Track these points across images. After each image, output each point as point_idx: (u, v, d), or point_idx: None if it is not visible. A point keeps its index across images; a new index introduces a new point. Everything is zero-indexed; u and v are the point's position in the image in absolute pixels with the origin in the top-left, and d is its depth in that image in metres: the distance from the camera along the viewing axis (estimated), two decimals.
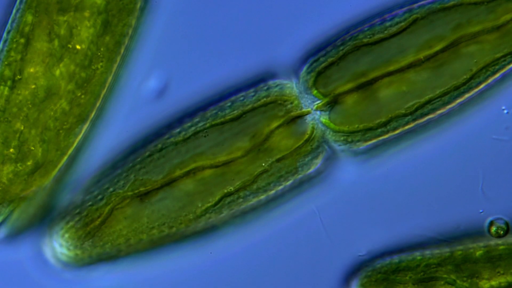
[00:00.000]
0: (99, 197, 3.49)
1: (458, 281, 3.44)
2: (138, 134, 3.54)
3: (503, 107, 3.51)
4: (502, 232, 3.46)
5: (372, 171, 3.54)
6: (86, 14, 3.47)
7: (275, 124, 3.49)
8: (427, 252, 3.49)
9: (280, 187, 3.51)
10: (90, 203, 3.49)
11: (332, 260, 3.53)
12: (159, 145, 3.51)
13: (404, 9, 3.49)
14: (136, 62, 3.54)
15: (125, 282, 3.54)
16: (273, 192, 3.50)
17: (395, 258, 3.50)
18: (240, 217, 3.51)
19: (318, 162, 3.50)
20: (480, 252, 3.46)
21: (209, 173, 3.49)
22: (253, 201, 3.50)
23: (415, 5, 3.49)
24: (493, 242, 3.46)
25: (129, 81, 3.54)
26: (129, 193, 3.49)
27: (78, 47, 3.47)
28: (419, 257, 3.48)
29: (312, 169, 3.50)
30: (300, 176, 3.51)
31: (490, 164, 3.52)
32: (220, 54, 3.56)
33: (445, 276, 3.45)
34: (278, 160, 3.49)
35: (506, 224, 3.47)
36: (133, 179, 3.49)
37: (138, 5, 3.51)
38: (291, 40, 3.55)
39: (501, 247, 3.45)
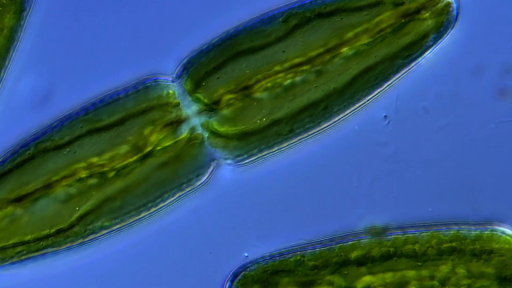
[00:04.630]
0: None
1: (336, 282, 3.49)
2: (16, 138, 3.51)
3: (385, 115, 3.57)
4: (375, 235, 3.53)
5: (251, 171, 3.56)
6: None
7: (155, 129, 3.49)
8: (307, 254, 3.53)
9: (161, 193, 3.51)
10: None
11: (212, 261, 3.56)
12: (37, 150, 3.48)
13: (284, 15, 3.52)
14: (14, 63, 3.51)
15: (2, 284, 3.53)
16: (153, 197, 3.51)
17: (276, 260, 3.53)
18: (120, 220, 3.51)
19: (204, 176, 3.51)
20: (356, 253, 3.52)
21: (88, 177, 3.47)
22: (134, 205, 3.50)
23: (294, 11, 3.51)
24: (368, 244, 3.52)
25: (6, 83, 3.51)
26: (6, 198, 3.46)
27: None
28: (298, 258, 3.52)
29: (198, 183, 3.51)
30: (185, 185, 3.51)
31: (369, 167, 3.58)
32: (100, 58, 3.55)
33: (324, 278, 3.50)
34: (159, 166, 3.49)
35: (380, 228, 3.54)
36: (10, 184, 3.47)
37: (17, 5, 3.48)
38: (173, 45, 3.55)
39: (376, 249, 3.51)
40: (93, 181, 3.48)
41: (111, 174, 3.48)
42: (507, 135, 3.58)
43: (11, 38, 3.47)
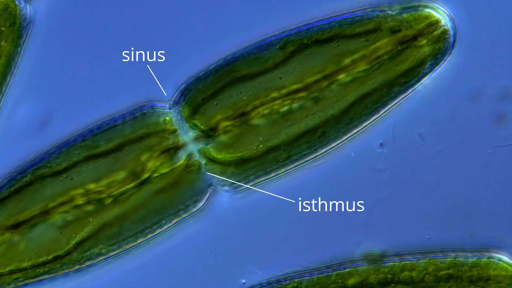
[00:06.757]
0: None
1: None
2: (14, 164, 3.51)
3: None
4: (372, 261, 3.53)
5: (248, 198, 3.56)
6: None
7: (152, 155, 3.50)
8: (304, 281, 3.53)
9: (158, 219, 3.51)
10: None
11: (209, 287, 3.55)
12: (34, 176, 3.48)
13: (281, 41, 3.52)
14: (11, 90, 3.51)
15: None
16: (151, 223, 3.50)
17: (273, 286, 3.53)
18: (117, 246, 3.51)
19: (201, 202, 3.51)
20: (354, 280, 3.52)
21: (86, 204, 3.47)
22: (131, 232, 3.50)
23: (291, 37, 3.52)
24: (365, 271, 3.52)
25: (4, 109, 3.51)
26: (3, 224, 3.46)
27: None
28: (295, 285, 3.52)
29: (195, 209, 3.51)
30: (182, 212, 3.51)
31: (366, 193, 3.58)
32: (98, 84, 3.55)
33: None
34: (156, 192, 3.49)
35: (377, 255, 3.54)
36: (8, 210, 3.47)
37: (17, 27, 3.47)
38: (170, 70, 3.56)
39: (373, 276, 3.51)
40: (90, 207, 3.48)
41: (109, 200, 3.48)
42: (504, 161, 3.58)
43: (9, 64, 3.48)
